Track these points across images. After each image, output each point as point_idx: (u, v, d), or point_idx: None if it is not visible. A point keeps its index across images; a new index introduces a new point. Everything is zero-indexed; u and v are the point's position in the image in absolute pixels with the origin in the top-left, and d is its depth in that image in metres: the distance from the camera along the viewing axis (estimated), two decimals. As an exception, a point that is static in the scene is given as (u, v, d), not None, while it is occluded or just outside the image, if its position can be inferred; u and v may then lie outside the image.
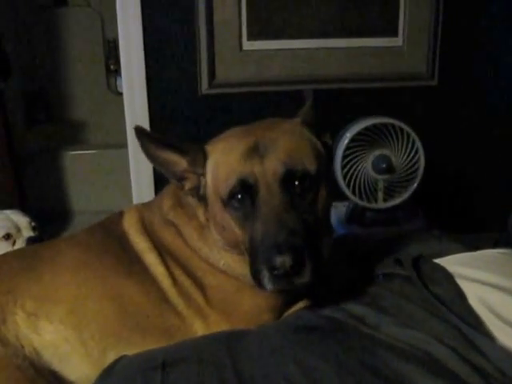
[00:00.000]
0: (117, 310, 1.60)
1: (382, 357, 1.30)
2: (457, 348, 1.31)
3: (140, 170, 2.97)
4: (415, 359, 1.29)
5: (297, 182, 1.50)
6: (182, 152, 1.61)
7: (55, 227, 4.20)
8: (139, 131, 1.59)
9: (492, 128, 3.15)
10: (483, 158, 3.16)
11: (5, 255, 1.87)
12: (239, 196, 1.51)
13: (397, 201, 2.58)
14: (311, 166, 1.54)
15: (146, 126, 2.87)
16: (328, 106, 3.00)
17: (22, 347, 1.55)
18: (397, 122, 2.47)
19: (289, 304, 1.68)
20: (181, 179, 1.64)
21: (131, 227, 1.73)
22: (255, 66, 2.95)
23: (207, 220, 1.64)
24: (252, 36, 2.92)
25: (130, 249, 1.69)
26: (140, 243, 1.69)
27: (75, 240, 1.79)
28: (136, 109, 2.89)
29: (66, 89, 5.10)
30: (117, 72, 4.91)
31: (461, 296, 1.46)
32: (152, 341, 1.57)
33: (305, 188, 1.52)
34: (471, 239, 1.82)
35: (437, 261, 1.62)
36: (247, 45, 2.93)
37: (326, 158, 1.64)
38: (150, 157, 1.60)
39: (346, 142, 2.48)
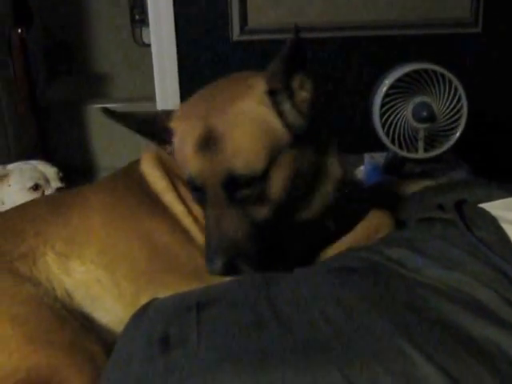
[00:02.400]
0: (146, 250, 1.67)
1: (424, 298, 1.31)
2: (501, 291, 1.31)
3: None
4: (458, 301, 1.30)
5: (241, 186, 1.54)
6: (152, 125, 1.68)
7: (77, 182, 4.23)
8: (115, 115, 1.67)
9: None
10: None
11: (33, 201, 1.93)
12: (193, 185, 1.59)
13: (438, 151, 2.57)
14: (259, 164, 1.54)
15: (175, 76, 2.88)
16: (367, 54, 3.03)
17: (54, 289, 1.61)
18: (438, 68, 2.46)
19: None
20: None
21: (149, 168, 1.81)
22: (290, 11, 2.95)
23: None
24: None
25: (150, 190, 1.76)
26: (158, 183, 1.77)
27: (99, 186, 1.88)
28: (164, 59, 2.90)
29: (89, 40, 5.12)
30: (143, 22, 4.88)
31: (505, 240, 1.47)
32: (183, 281, 1.63)
33: (251, 190, 1.55)
34: (514, 187, 1.83)
35: (481, 205, 1.63)
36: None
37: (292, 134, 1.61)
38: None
39: (385, 89, 2.47)
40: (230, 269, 1.51)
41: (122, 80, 5.09)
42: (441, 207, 1.65)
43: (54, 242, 1.67)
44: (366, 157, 2.81)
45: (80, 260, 1.65)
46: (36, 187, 2.34)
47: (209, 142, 1.54)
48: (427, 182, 2.13)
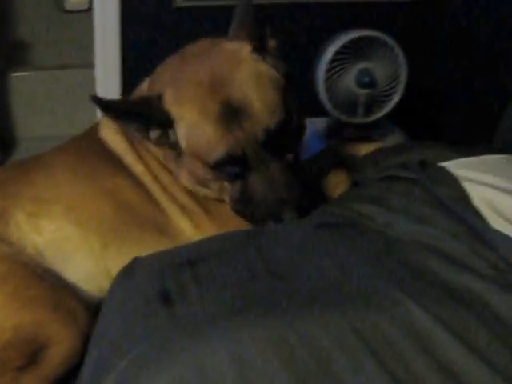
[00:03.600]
0: (112, 206, 1.73)
1: (398, 249, 1.43)
2: (470, 243, 1.42)
3: (107, 89, 3.00)
4: (434, 253, 1.40)
5: (278, 139, 1.63)
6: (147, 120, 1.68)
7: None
8: (103, 103, 1.65)
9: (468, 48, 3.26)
10: (463, 77, 3.28)
11: (5, 165, 1.96)
12: (227, 166, 1.64)
13: (377, 116, 2.70)
14: (283, 112, 1.64)
15: (116, 42, 2.87)
16: (307, 21, 3.09)
17: (26, 248, 1.65)
18: (381, 35, 2.57)
19: None
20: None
21: (108, 133, 1.85)
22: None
23: (168, 161, 1.77)
24: None
25: (111, 152, 1.81)
26: (118, 146, 1.82)
27: (60, 148, 1.91)
28: (106, 25, 2.87)
29: (8, 7, 4.99)
30: (66, -12, 4.80)
31: (466, 196, 1.58)
32: (148, 236, 1.72)
33: (287, 138, 1.66)
34: (463, 149, 1.95)
35: (440, 165, 1.74)
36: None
37: (284, 78, 1.73)
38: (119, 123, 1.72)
39: (330, 55, 2.56)
40: (303, 211, 1.62)
41: (44, 47, 4.97)
42: (403, 166, 1.75)
43: (23, 203, 1.70)
44: (308, 122, 2.89)
45: (49, 218, 1.69)
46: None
47: (232, 114, 1.59)
48: (374, 145, 2.23)
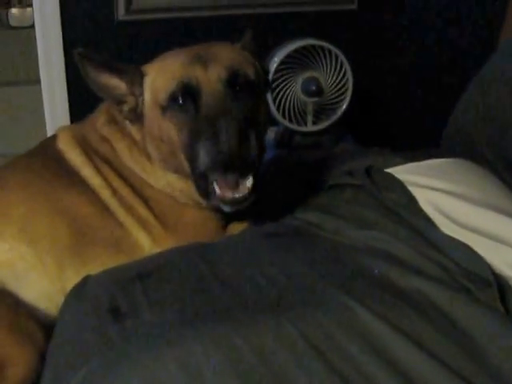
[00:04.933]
0: (66, 224, 1.71)
1: (346, 254, 1.47)
2: (417, 246, 1.48)
3: (55, 105, 2.99)
4: (381, 257, 1.45)
5: (239, 88, 1.64)
6: (120, 74, 1.73)
7: None
8: (80, 55, 1.68)
9: (411, 53, 3.33)
10: (405, 82, 3.35)
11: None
12: (180, 99, 1.64)
13: (326, 123, 2.75)
14: (252, 75, 1.70)
15: (61, 57, 2.88)
16: (255, 31, 3.13)
17: None
18: (325, 44, 2.62)
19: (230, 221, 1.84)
20: (120, 103, 1.75)
21: (66, 145, 1.83)
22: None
23: (143, 138, 1.77)
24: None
25: (67, 165, 1.80)
26: (76, 158, 1.80)
27: (14, 164, 1.89)
28: (49, 40, 2.87)
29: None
30: (9, 3, 4.78)
31: (413, 200, 1.64)
32: (105, 254, 1.70)
33: (247, 95, 1.66)
34: (408, 154, 2.00)
35: (386, 170, 1.79)
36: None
37: (264, 81, 1.82)
38: (91, 81, 1.71)
39: (276, 65, 2.60)
40: (242, 164, 1.57)
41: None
42: (350, 173, 1.80)
43: None
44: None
45: (2, 238, 1.67)
46: None
47: (200, 57, 1.66)
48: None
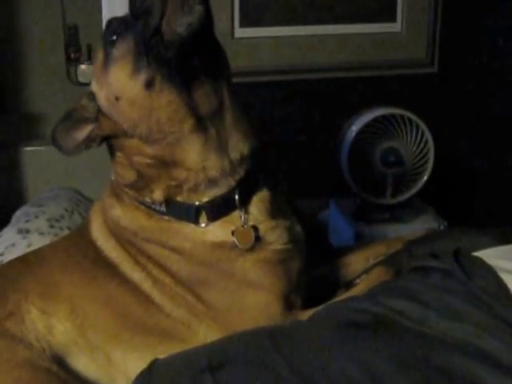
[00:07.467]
0: (112, 312, 1.69)
1: (439, 352, 1.38)
2: (507, 340, 1.38)
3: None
4: (469, 353, 1.37)
5: None
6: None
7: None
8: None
9: (497, 117, 3.25)
10: (491, 149, 3.27)
11: (5, 263, 1.96)
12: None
13: (406, 195, 2.68)
14: None
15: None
16: (326, 97, 3.11)
17: (44, 350, 1.62)
18: (405, 113, 2.57)
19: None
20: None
21: (100, 236, 1.79)
22: (246, 55, 3.01)
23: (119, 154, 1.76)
24: (244, 23, 2.98)
25: (105, 257, 1.76)
26: (112, 252, 1.76)
27: (55, 246, 1.89)
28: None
29: (22, 78, 5.06)
30: (78, 60, 4.86)
31: (504, 289, 1.55)
32: (154, 342, 1.68)
33: None
34: (498, 233, 1.92)
35: (475, 254, 1.71)
36: (239, 32, 2.99)
37: None
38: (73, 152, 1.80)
39: (354, 134, 2.56)
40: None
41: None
42: (434, 256, 1.72)
43: (33, 297, 1.68)
44: (332, 202, 2.88)
45: (57, 318, 1.66)
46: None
47: None
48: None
